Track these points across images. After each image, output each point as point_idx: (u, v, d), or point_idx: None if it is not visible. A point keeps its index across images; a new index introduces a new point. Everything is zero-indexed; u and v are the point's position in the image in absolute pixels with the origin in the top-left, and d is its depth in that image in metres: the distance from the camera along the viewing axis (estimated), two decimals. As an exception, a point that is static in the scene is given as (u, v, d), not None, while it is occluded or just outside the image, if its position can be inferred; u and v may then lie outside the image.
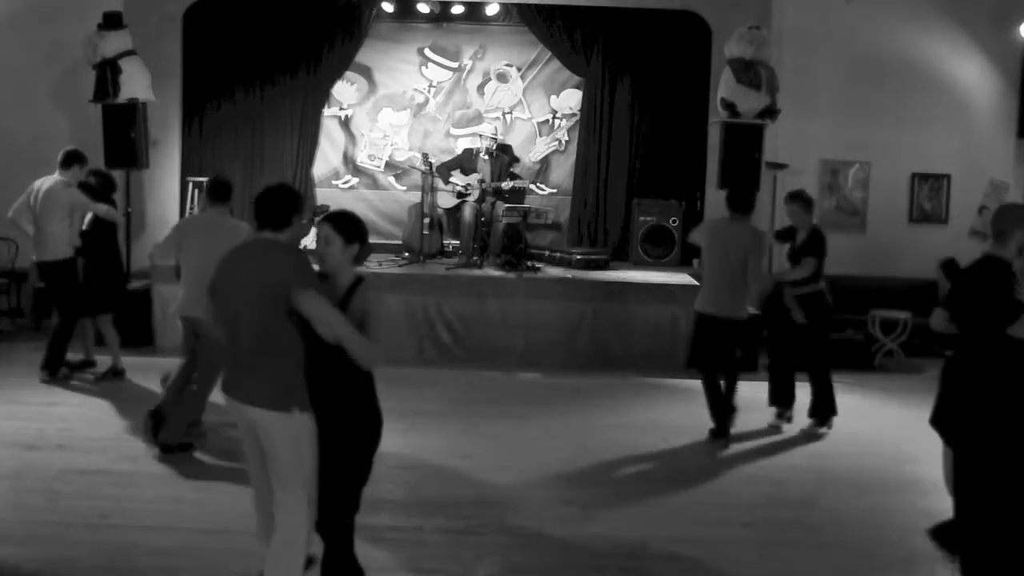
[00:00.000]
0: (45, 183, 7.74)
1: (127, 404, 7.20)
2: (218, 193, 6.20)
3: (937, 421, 4.18)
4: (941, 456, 4.71)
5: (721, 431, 6.78)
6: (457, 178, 10.57)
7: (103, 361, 8.10)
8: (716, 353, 6.82)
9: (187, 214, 10.27)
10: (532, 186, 11.13)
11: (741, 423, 7.15)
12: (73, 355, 8.10)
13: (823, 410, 7.08)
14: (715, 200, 10.33)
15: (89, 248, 7.90)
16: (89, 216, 7.84)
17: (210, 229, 5.98)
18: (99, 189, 7.95)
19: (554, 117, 11.57)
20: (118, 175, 9.02)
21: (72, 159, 7.76)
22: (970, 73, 10.51)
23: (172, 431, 6.09)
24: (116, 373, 7.97)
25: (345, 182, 11.51)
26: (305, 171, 11.21)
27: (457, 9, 11.07)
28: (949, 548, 4.64)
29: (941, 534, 4.82)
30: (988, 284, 4.03)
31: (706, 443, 6.72)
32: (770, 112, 9.50)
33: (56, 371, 7.86)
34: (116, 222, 8.05)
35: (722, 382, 6.83)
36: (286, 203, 3.95)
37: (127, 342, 8.67)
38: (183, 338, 6.51)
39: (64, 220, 7.71)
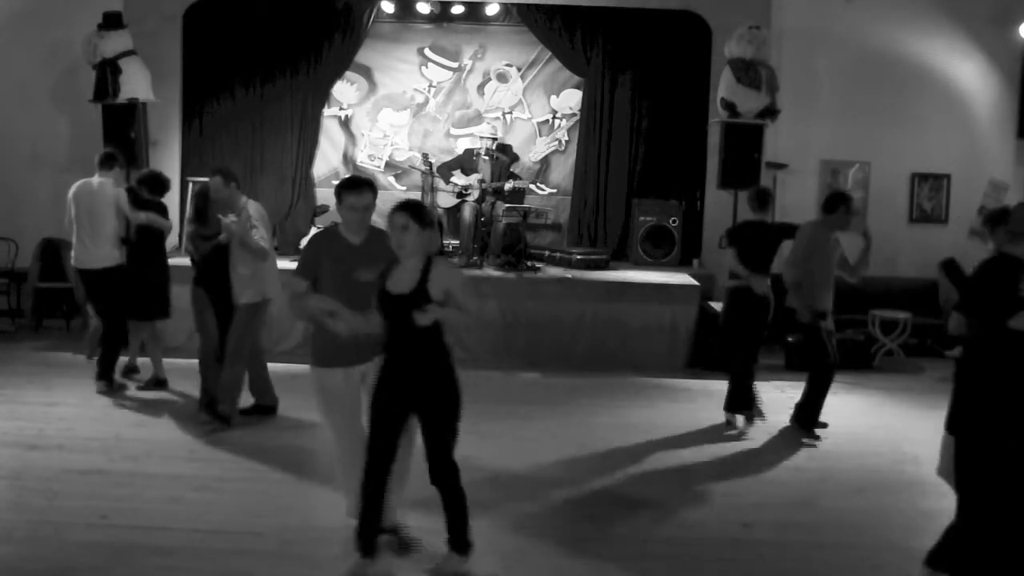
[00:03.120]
0: (88, 185, 7.57)
1: (127, 404, 7.22)
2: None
3: (950, 424, 4.16)
4: (940, 452, 4.68)
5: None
6: (458, 178, 10.57)
7: (144, 363, 7.93)
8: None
9: (187, 214, 10.26)
10: (532, 186, 11.11)
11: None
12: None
13: (741, 404, 7.16)
14: (715, 200, 10.35)
15: (136, 253, 7.61)
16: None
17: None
18: (149, 194, 7.61)
19: (554, 117, 11.57)
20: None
21: (112, 160, 7.70)
22: (970, 73, 10.51)
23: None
24: (158, 383, 7.67)
25: (345, 182, 11.49)
26: (305, 171, 11.20)
27: (457, 9, 11.06)
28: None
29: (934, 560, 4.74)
30: (996, 279, 4.08)
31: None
32: (770, 112, 9.50)
33: (112, 380, 7.58)
34: (163, 228, 7.64)
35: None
36: None
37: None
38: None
39: (117, 218, 7.57)
